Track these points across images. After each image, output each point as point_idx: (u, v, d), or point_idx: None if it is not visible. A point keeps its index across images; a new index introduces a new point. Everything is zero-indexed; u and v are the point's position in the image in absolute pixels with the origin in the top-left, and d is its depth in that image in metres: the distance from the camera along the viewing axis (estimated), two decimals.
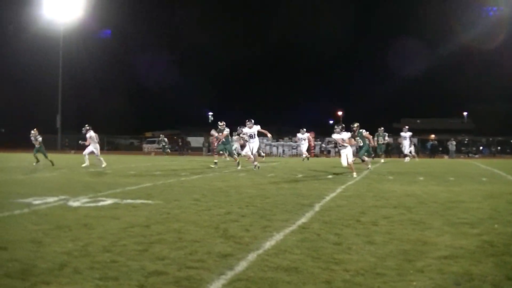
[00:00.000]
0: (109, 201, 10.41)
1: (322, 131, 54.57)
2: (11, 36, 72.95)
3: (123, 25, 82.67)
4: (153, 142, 55.61)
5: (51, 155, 24.84)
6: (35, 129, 24.79)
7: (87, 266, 5.28)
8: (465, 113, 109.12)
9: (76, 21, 60.57)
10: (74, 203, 10.12)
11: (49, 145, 58.99)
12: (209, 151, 45.76)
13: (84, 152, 23.70)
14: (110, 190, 12.55)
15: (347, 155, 17.76)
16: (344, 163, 17.87)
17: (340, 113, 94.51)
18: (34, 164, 23.90)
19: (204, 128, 23.35)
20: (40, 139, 24.70)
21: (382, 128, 32.25)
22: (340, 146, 18.44)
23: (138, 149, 61.58)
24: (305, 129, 32.84)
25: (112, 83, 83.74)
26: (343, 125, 18.31)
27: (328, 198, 11.32)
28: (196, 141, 55.87)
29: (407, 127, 35.04)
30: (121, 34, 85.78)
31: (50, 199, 10.71)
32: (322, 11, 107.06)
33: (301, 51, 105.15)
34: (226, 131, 22.55)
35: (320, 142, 49.50)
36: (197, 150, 51.65)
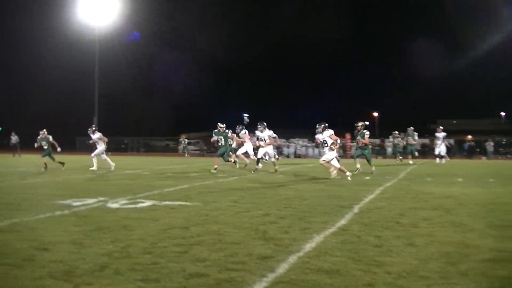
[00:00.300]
0: (147, 203, 10.47)
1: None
2: (48, 40, 74.05)
3: (159, 28, 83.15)
4: (189, 143, 55.84)
5: (88, 157, 24.76)
6: (44, 130, 23.60)
7: (128, 267, 5.29)
8: (502, 113, 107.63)
9: (110, 25, 61.17)
10: (113, 205, 10.20)
11: (87, 147, 59.78)
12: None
13: (99, 156, 22.91)
14: (147, 192, 12.63)
15: (329, 157, 16.89)
16: (323, 160, 17.01)
17: (375, 114, 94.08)
18: (62, 168, 22.80)
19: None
20: (50, 138, 23.30)
21: (412, 128, 31.59)
22: (322, 147, 17.38)
23: (174, 151, 61.89)
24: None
25: (147, 85, 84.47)
26: (326, 124, 17.17)
27: (366, 199, 11.24)
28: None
29: (441, 127, 34.39)
30: (156, 37, 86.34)
31: (89, 201, 10.81)
32: (354, 12, 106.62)
33: (334, 52, 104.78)
34: (230, 134, 21.74)
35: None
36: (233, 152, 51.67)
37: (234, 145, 22.00)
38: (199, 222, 8.07)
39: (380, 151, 45.48)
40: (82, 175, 19.24)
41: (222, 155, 21.13)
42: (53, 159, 23.50)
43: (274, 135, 21.53)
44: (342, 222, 8.17)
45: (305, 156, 46.77)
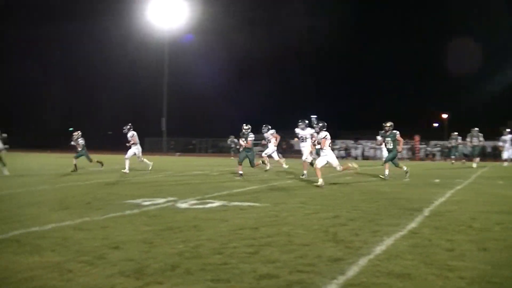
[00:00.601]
0: (216, 203, 10.56)
1: (427, 135, 53.36)
2: (120, 44, 75.69)
3: (224, 30, 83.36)
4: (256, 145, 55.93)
5: (157, 158, 24.92)
6: (78, 132, 23.14)
7: (198, 267, 5.32)
8: None
9: (178, 27, 62.03)
10: (182, 205, 10.31)
11: (155, 148, 60.67)
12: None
13: (126, 156, 21.64)
14: (216, 192, 12.72)
15: (327, 159, 15.44)
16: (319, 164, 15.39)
17: (445, 116, 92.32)
18: (71, 171, 21.76)
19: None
20: (82, 142, 22.79)
21: (476, 128, 30.44)
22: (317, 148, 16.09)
23: None
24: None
25: (215, 86, 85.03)
26: (325, 123, 15.72)
27: (437, 202, 11.02)
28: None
29: (508, 129, 33.13)
30: (222, 38, 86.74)
31: (159, 201, 10.96)
32: (429, 11, 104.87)
33: (403, 51, 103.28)
34: (251, 137, 19.78)
35: (425, 146, 48.50)
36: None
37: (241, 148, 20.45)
38: (269, 223, 8.08)
39: (449, 153, 44.65)
40: (150, 175, 19.52)
41: (242, 160, 19.92)
42: (75, 166, 22.26)
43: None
44: (413, 225, 8.04)
45: (374, 157, 46.31)
